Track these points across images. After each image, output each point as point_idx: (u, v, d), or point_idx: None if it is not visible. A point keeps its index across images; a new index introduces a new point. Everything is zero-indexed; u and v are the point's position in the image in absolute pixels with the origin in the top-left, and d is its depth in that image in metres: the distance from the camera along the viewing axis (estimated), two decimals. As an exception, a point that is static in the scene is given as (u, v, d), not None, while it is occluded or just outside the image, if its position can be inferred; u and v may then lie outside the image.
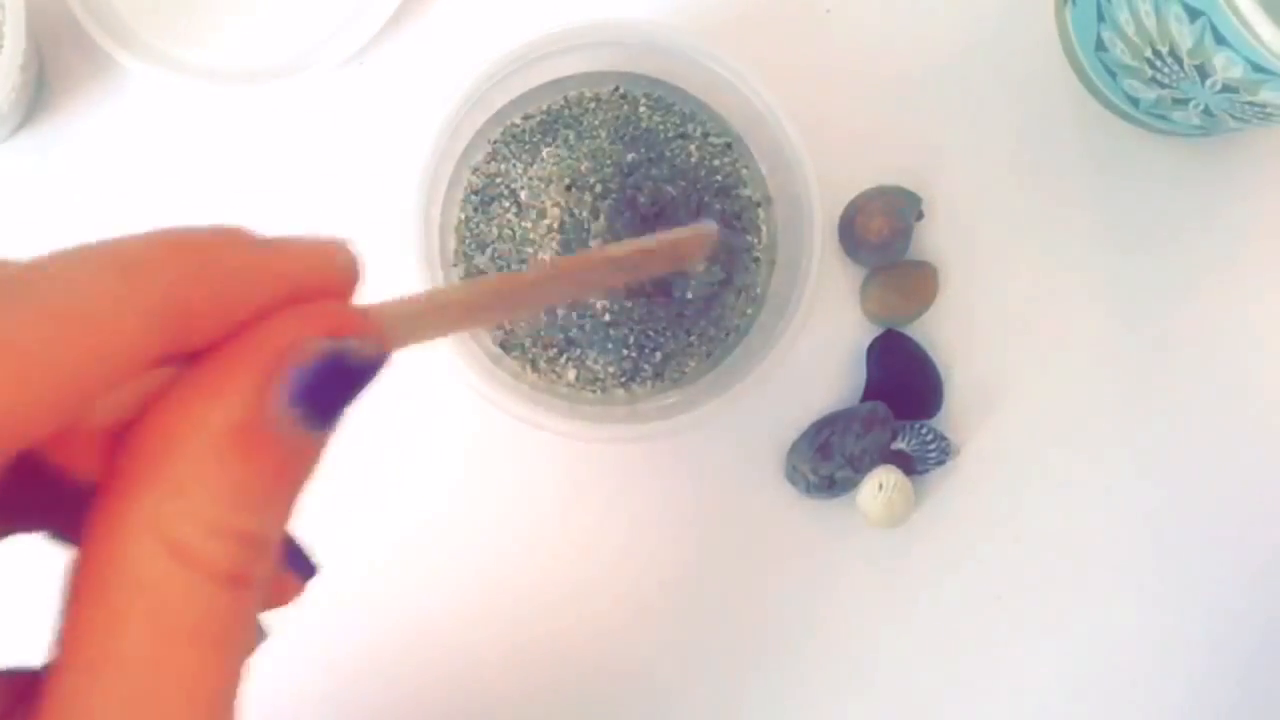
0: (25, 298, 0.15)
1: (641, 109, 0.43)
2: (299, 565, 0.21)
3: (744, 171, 0.43)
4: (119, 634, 0.16)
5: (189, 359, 0.17)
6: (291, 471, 0.17)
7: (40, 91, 0.44)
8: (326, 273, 0.19)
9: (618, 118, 0.43)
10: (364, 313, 0.18)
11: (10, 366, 0.15)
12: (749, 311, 0.43)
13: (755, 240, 0.43)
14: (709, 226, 0.29)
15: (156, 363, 0.17)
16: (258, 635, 0.19)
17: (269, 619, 0.20)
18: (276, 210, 0.45)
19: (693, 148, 0.43)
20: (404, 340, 0.19)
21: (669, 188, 0.42)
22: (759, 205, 0.43)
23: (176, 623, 0.16)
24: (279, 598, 0.21)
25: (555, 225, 0.42)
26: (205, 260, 0.17)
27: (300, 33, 0.44)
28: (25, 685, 0.17)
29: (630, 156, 0.42)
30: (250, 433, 0.16)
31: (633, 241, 0.25)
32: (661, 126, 0.43)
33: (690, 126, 0.43)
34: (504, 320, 0.22)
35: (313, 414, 0.17)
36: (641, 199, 0.42)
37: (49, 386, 0.15)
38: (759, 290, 0.43)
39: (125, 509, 0.16)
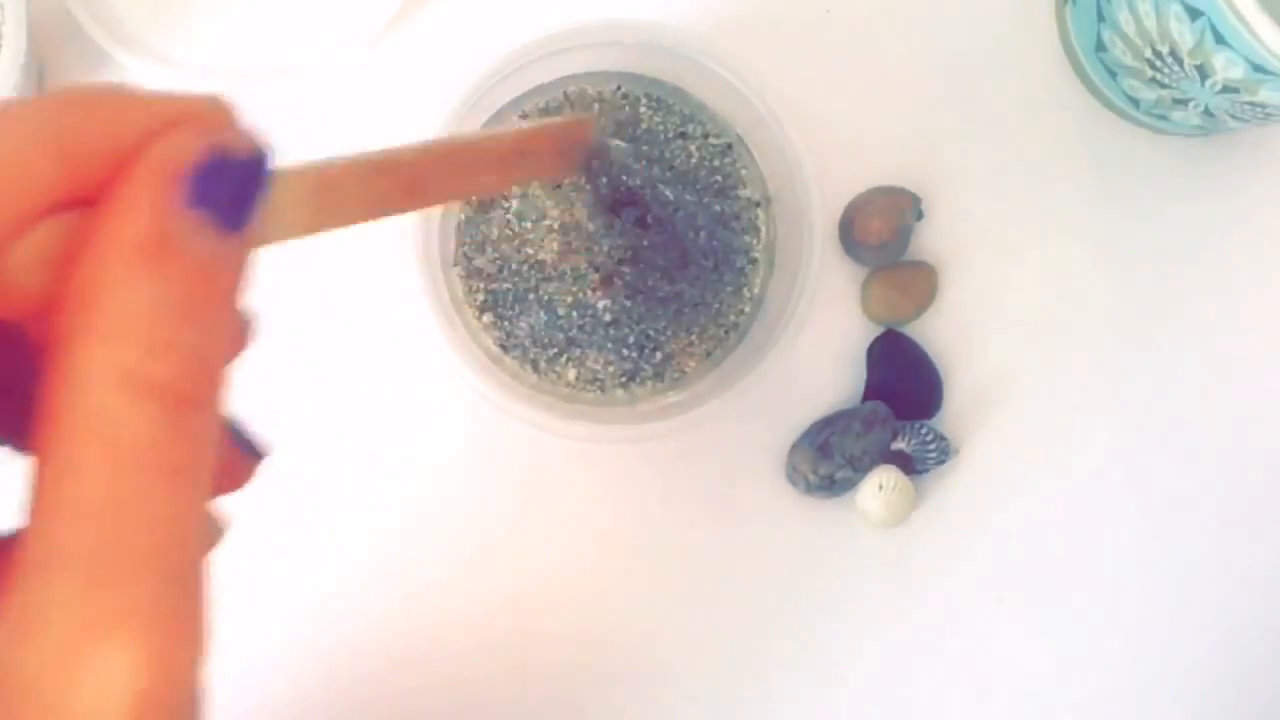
0: None
1: (642, 109, 0.43)
2: (246, 446, 0.22)
3: (744, 172, 0.43)
4: (79, 476, 0.16)
5: (88, 203, 0.18)
6: (212, 278, 0.18)
7: (40, 91, 0.44)
8: (204, 110, 0.20)
9: (618, 118, 0.43)
10: (236, 119, 0.20)
11: None
12: (748, 311, 0.43)
13: (754, 241, 0.43)
14: (586, 115, 0.30)
15: (60, 204, 0.17)
16: (217, 524, 0.20)
17: (225, 511, 0.20)
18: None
19: (693, 148, 0.43)
20: (293, 218, 0.20)
21: (667, 189, 0.42)
22: (758, 206, 0.43)
23: (132, 453, 0.17)
24: (231, 480, 0.21)
25: (555, 226, 0.42)
26: (94, 100, 0.18)
27: (301, 31, 0.44)
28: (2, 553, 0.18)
29: (630, 157, 0.42)
30: (159, 245, 0.17)
31: (511, 128, 0.25)
32: (662, 126, 0.43)
33: (691, 127, 0.43)
34: (394, 209, 0.23)
35: (215, 215, 0.18)
36: (641, 199, 0.42)
37: None
38: (758, 290, 0.43)
39: (68, 354, 0.17)
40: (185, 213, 0.17)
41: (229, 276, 0.18)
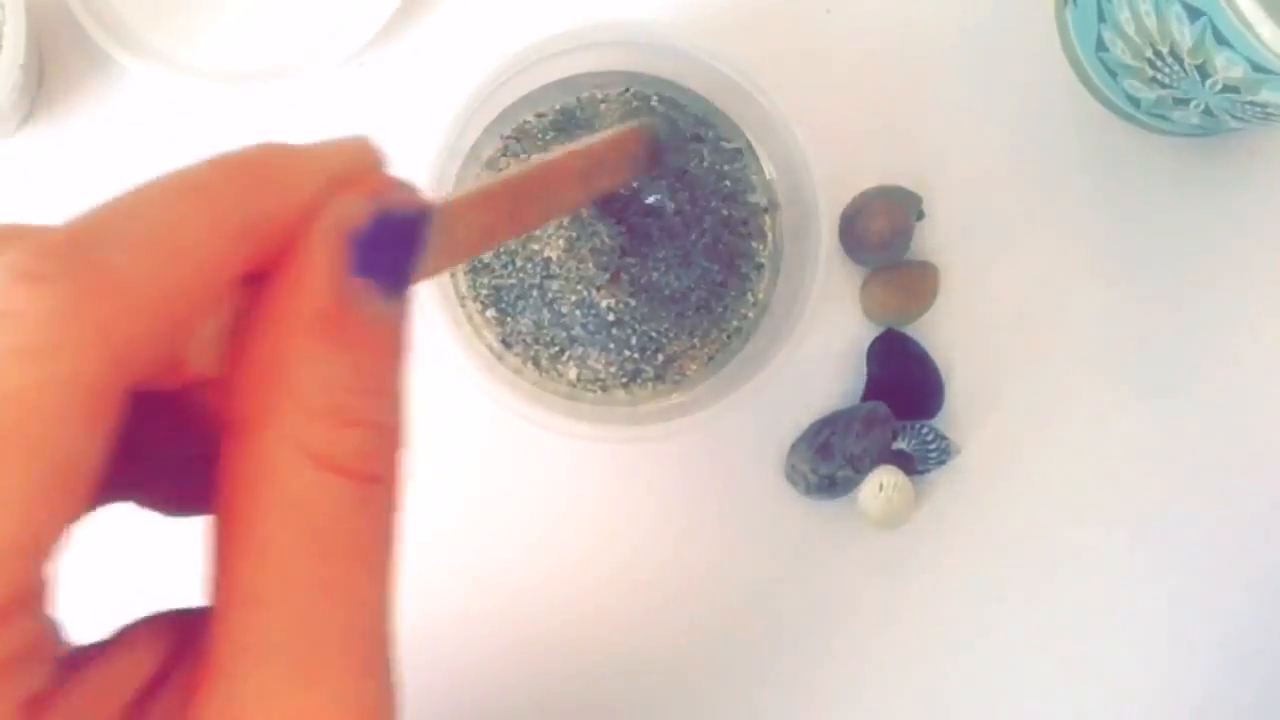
0: (118, 234, 0.16)
1: (654, 110, 0.43)
2: None
3: (753, 178, 0.43)
4: (274, 562, 0.16)
5: (260, 279, 0.18)
6: (386, 345, 0.18)
7: (40, 91, 0.44)
8: (358, 160, 0.19)
9: (627, 119, 0.43)
10: (392, 176, 0.19)
11: (119, 300, 0.15)
12: (752, 317, 0.43)
13: (761, 246, 0.43)
14: (645, 122, 0.31)
15: (239, 281, 0.17)
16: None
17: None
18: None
19: (705, 151, 0.43)
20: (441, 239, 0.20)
21: (675, 191, 0.42)
22: (766, 211, 0.43)
23: (328, 535, 0.16)
24: None
25: (563, 223, 0.42)
26: (258, 171, 0.18)
27: (301, 32, 0.44)
28: (183, 632, 0.17)
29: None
30: (337, 315, 0.17)
31: (582, 143, 0.26)
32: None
33: (702, 130, 0.43)
34: (500, 240, 0.24)
35: (382, 279, 0.18)
36: (649, 202, 0.42)
37: (156, 315, 0.16)
38: (762, 295, 0.43)
39: (253, 435, 0.17)
40: (356, 280, 0.17)
41: (398, 340, 0.18)
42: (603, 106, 0.43)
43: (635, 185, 0.42)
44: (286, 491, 0.16)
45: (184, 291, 0.16)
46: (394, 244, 0.18)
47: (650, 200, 0.42)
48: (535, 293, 0.42)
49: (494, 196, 0.22)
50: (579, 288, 0.42)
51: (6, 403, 0.15)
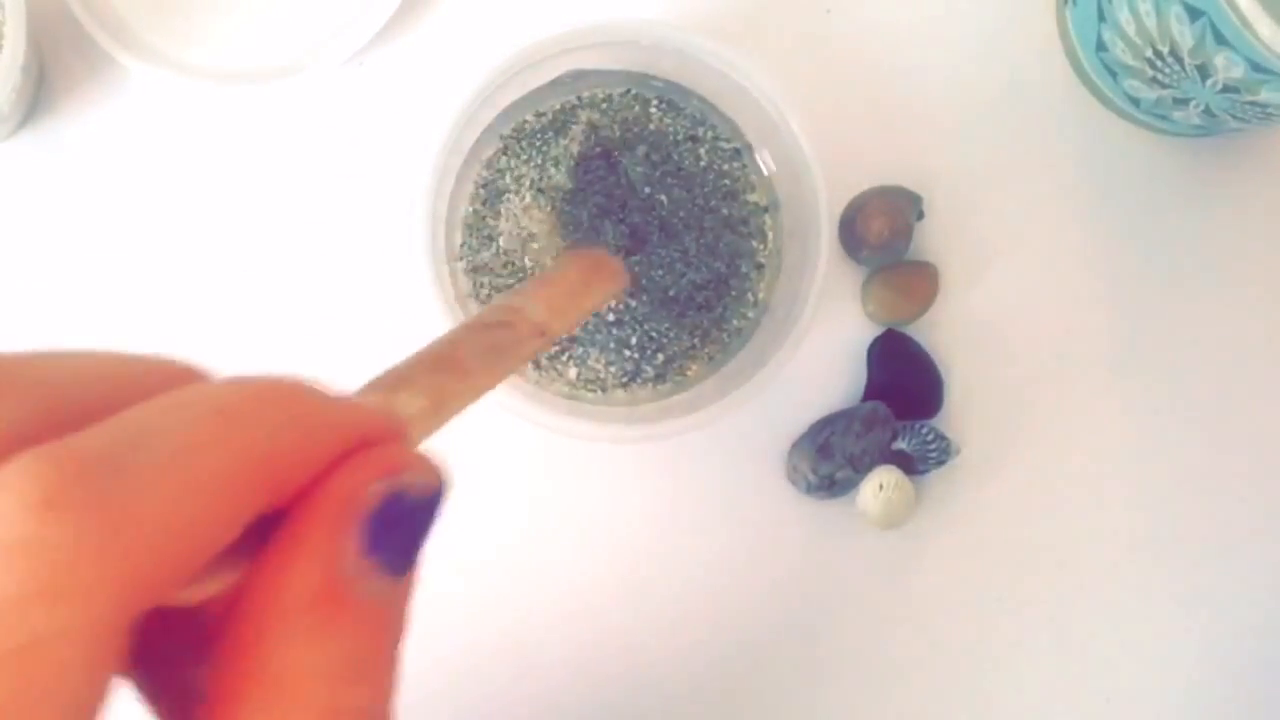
0: (139, 456, 0.15)
1: (652, 110, 0.43)
2: None
3: (752, 177, 0.43)
4: None
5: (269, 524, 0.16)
6: (384, 627, 0.17)
7: (41, 91, 0.44)
8: (385, 422, 0.18)
9: (628, 119, 0.43)
10: (413, 450, 0.18)
11: (133, 539, 0.14)
12: (752, 317, 0.43)
13: (761, 246, 0.43)
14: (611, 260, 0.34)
15: (254, 518, 0.16)
16: None
17: None
18: (278, 209, 0.45)
19: (702, 151, 0.43)
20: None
21: (674, 191, 0.42)
22: (765, 210, 0.43)
23: None
24: None
25: (562, 223, 0.42)
26: (285, 407, 0.16)
27: (301, 32, 0.44)
28: None
29: (639, 162, 0.42)
30: (333, 598, 0.16)
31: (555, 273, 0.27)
32: (672, 128, 0.43)
33: (701, 130, 0.43)
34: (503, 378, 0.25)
35: (389, 560, 0.16)
36: (647, 201, 0.42)
37: (178, 548, 0.15)
38: (762, 295, 0.43)
39: (234, 710, 0.15)
40: (360, 561, 0.16)
41: (398, 623, 0.17)
42: (603, 106, 0.43)
43: (632, 181, 0.42)
44: None
45: (206, 522, 0.15)
46: (407, 526, 0.17)
47: (647, 191, 0.42)
48: (535, 293, 0.42)
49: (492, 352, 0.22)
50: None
51: (35, 654, 0.13)
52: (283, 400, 0.17)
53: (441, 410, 0.21)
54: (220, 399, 0.16)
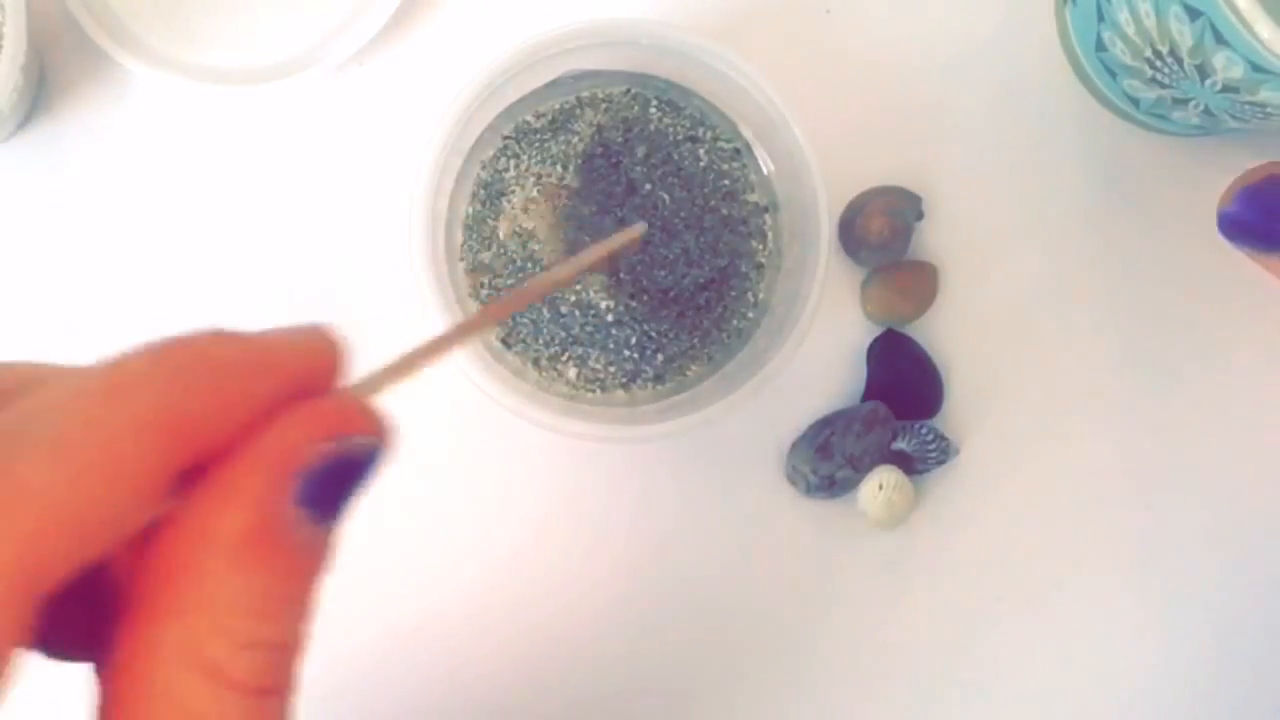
0: (31, 440, 0.15)
1: (652, 110, 0.43)
2: None
3: (752, 177, 0.43)
4: None
5: (203, 471, 0.17)
6: (307, 568, 0.17)
7: (40, 93, 0.44)
8: (314, 358, 0.19)
9: (628, 119, 0.43)
10: (360, 405, 0.19)
11: (25, 518, 0.15)
12: (752, 317, 0.43)
13: (761, 246, 0.43)
14: (638, 226, 0.35)
15: (175, 478, 0.16)
16: None
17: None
18: (276, 210, 0.45)
19: (702, 151, 0.43)
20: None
21: (674, 191, 0.42)
22: (765, 211, 0.43)
23: None
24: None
25: (561, 223, 0.42)
26: (199, 369, 0.17)
27: (301, 32, 0.44)
28: None
29: (639, 162, 0.42)
30: (262, 538, 0.17)
31: (574, 261, 0.29)
32: (671, 128, 0.43)
33: (700, 130, 0.43)
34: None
35: (320, 510, 0.17)
36: (647, 201, 0.42)
37: (66, 530, 0.15)
38: (762, 295, 0.43)
39: (153, 635, 0.16)
40: (293, 509, 0.17)
41: (319, 563, 0.18)
42: (603, 106, 0.43)
43: (632, 181, 0.42)
44: (176, 699, 0.16)
45: (106, 499, 0.15)
46: (343, 480, 0.18)
47: (648, 188, 0.42)
48: (535, 293, 0.42)
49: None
50: (578, 288, 0.42)
51: None
52: (192, 361, 0.17)
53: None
54: (121, 369, 0.17)
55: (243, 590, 0.16)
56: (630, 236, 0.33)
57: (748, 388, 0.39)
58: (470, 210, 0.42)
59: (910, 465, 0.44)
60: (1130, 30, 0.41)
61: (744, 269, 0.43)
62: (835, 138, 0.44)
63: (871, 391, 0.45)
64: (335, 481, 0.18)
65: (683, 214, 0.42)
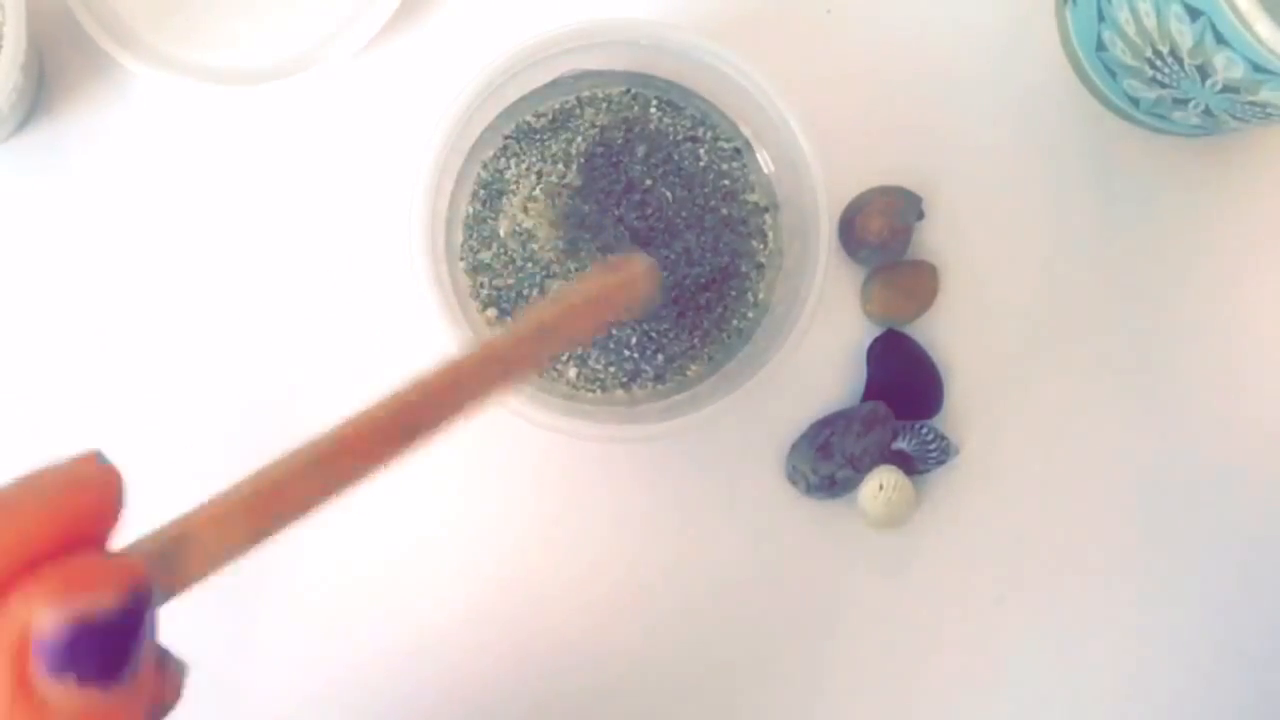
0: None
1: (652, 110, 0.43)
2: (172, 666, 0.20)
3: (752, 177, 0.43)
4: None
5: None
6: None
7: (40, 92, 0.44)
8: (83, 498, 0.17)
9: (628, 119, 0.43)
10: (106, 559, 0.17)
11: None
12: (752, 317, 0.43)
13: (761, 246, 0.43)
14: (642, 260, 0.27)
15: None
16: None
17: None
18: (277, 209, 0.45)
19: (702, 151, 0.43)
20: (191, 566, 0.18)
21: (674, 191, 0.42)
22: (765, 210, 0.43)
23: None
24: (164, 704, 0.20)
25: (561, 223, 0.42)
26: None
27: (301, 32, 0.44)
28: None
29: (639, 162, 0.42)
30: (30, 712, 0.15)
31: (566, 297, 0.24)
32: (672, 128, 0.43)
33: (701, 130, 0.43)
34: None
35: (88, 675, 0.16)
36: (647, 201, 0.42)
37: None
38: (762, 295, 0.43)
39: None
40: (51, 681, 0.15)
41: (127, 711, 0.16)
42: (603, 106, 0.43)
43: (632, 180, 0.42)
44: None
45: None
46: (99, 644, 0.16)
47: (648, 184, 0.42)
48: (535, 293, 0.42)
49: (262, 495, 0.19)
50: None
51: None
52: None
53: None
54: None
55: None
56: (631, 272, 0.26)
57: (748, 387, 0.39)
58: (470, 210, 0.42)
59: (910, 465, 0.44)
60: (1130, 30, 0.41)
61: (744, 269, 0.43)
62: (835, 138, 0.44)
63: (871, 391, 0.45)
64: (87, 644, 0.16)
65: (683, 214, 0.42)
